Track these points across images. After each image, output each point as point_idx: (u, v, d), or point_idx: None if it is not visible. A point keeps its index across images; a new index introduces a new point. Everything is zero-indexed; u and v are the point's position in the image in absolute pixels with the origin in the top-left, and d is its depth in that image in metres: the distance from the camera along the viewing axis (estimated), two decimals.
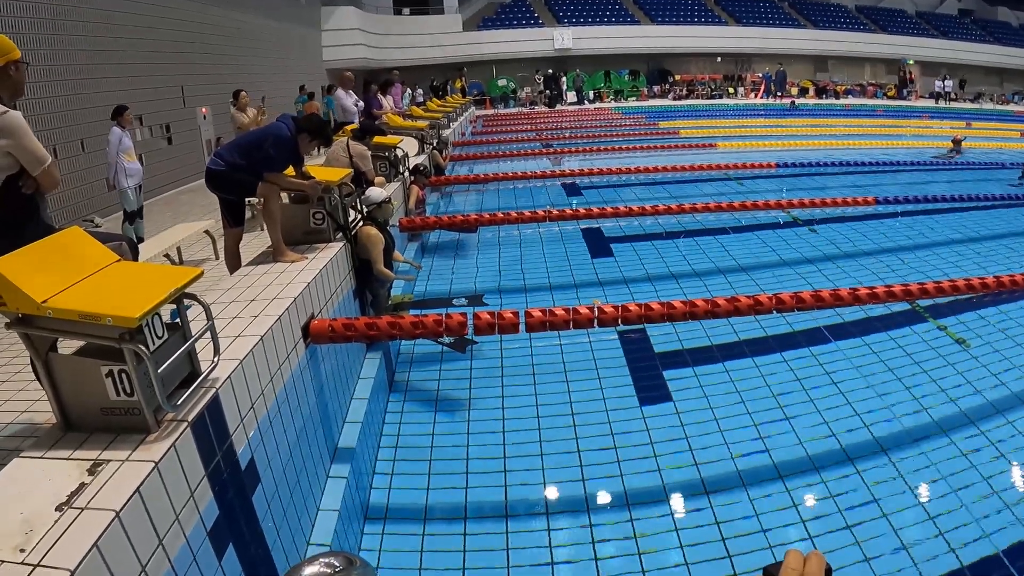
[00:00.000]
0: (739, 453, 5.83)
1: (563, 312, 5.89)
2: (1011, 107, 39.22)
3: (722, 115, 33.97)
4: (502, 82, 42.66)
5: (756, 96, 41.33)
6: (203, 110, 19.16)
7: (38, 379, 3.35)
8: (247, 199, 6.91)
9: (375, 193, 7.64)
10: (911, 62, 44.78)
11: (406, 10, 41.45)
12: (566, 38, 42.61)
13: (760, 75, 43.15)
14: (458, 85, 36.12)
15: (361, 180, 9.37)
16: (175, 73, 17.71)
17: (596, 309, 5.97)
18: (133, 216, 10.18)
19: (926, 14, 52.32)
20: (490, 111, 38.51)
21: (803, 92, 42.03)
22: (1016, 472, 5.63)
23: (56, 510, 2.68)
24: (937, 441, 5.99)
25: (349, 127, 12.44)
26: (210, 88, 19.38)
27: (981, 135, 25.06)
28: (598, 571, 4.72)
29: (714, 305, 6.17)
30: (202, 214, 12.18)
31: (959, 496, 5.23)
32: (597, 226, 12.66)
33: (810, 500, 5.32)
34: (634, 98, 41.79)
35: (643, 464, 5.74)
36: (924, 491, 5.37)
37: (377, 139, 11.00)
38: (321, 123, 6.63)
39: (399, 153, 11.61)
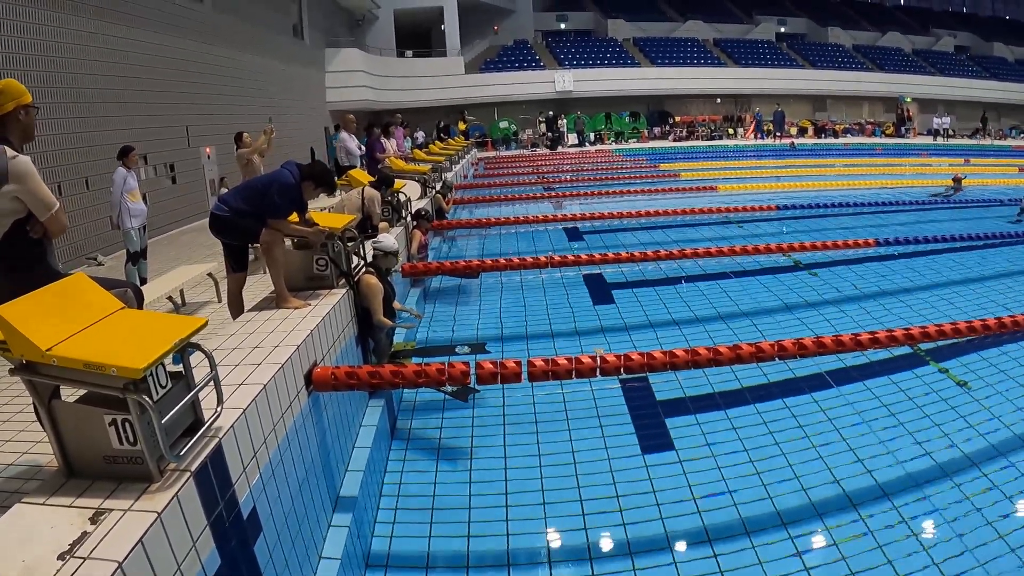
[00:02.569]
0: (742, 500, 5.80)
1: (566, 361, 5.91)
2: (1009, 142, 39.43)
3: (722, 156, 34.16)
4: (504, 124, 42.96)
5: (754, 136, 41.57)
6: (207, 150, 19.33)
7: (39, 421, 3.36)
8: (250, 243, 6.95)
9: (388, 241, 7.67)
10: (909, 100, 45.14)
11: (409, 52, 41.88)
12: (567, 80, 43.03)
13: (752, 115, 43.47)
14: (461, 127, 36.42)
15: (367, 226, 9.45)
16: (179, 113, 17.94)
17: (599, 358, 5.98)
18: (136, 256, 10.20)
19: (923, 52, 52.96)
20: (492, 153, 38.73)
21: (802, 132, 42.29)
22: (1020, 514, 5.58)
23: (58, 559, 2.67)
24: (940, 485, 5.96)
25: (353, 171, 12.56)
26: (214, 128, 19.57)
27: (980, 171, 25.16)
28: None
29: (716, 353, 6.19)
30: (205, 254, 12.23)
31: (963, 541, 5.19)
32: (599, 272, 12.67)
33: (814, 547, 5.28)
34: (635, 140, 42.07)
35: (646, 512, 5.71)
36: (928, 535, 5.33)
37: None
38: (325, 170, 6.67)
39: (401, 198, 11.69)
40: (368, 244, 7.79)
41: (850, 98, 47.92)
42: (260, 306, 6.38)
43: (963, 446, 6.53)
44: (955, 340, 7.97)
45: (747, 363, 6.63)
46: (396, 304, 8.11)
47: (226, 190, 15.18)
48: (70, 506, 3.04)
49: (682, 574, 5.02)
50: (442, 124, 36.11)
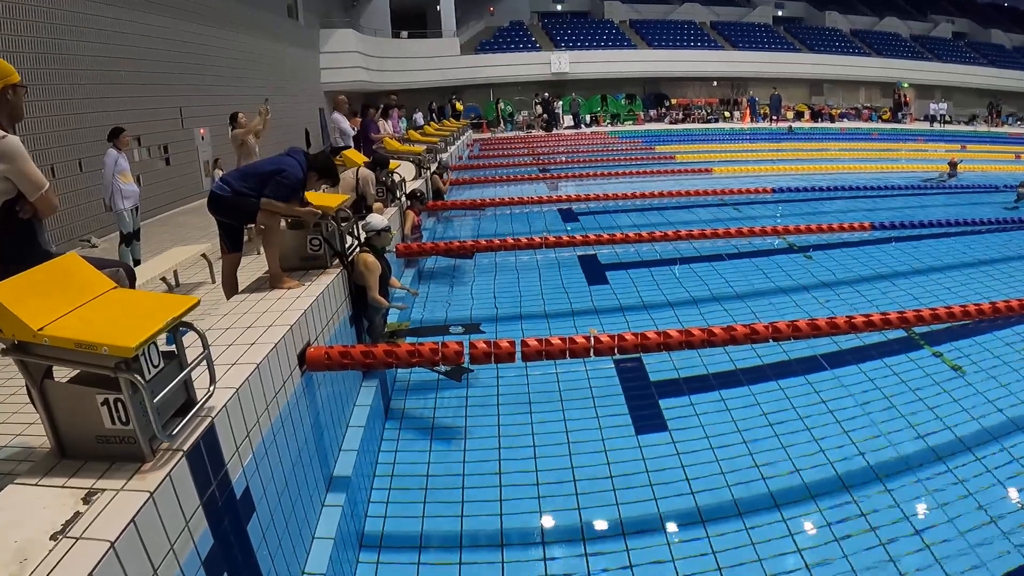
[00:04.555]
0: (735, 482, 5.82)
1: (559, 341, 5.90)
2: (1005, 129, 39.36)
3: (718, 139, 34.10)
4: (500, 106, 42.85)
5: (751, 120, 41.53)
6: (201, 131, 19.26)
7: (32, 401, 3.35)
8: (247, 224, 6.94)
9: (376, 220, 7.65)
10: (906, 85, 45.14)
11: (404, 33, 41.69)
12: (563, 62, 42.93)
13: (746, 99, 43.42)
14: (460, 108, 36.56)
15: (362, 206, 9.43)
16: (173, 94, 17.86)
17: (592, 339, 5.97)
18: (130, 238, 10.16)
19: (920, 37, 52.89)
20: (487, 135, 38.65)
21: (799, 116, 42.25)
22: (1012, 499, 5.61)
23: (51, 539, 2.67)
24: (933, 468, 5.98)
25: (348, 151, 12.53)
26: (208, 109, 19.50)
27: (976, 157, 25.16)
28: None
29: (711, 334, 6.18)
30: (199, 235, 12.21)
31: (955, 524, 5.22)
32: (593, 252, 12.67)
33: (806, 529, 5.30)
34: (630, 122, 42.00)
35: (639, 493, 5.72)
36: (920, 519, 5.35)
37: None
38: (330, 163, 6.72)
39: (396, 178, 11.67)
40: (359, 225, 7.78)
41: (847, 83, 47.91)
42: (254, 286, 6.37)
43: (956, 430, 6.55)
44: (949, 324, 7.97)
45: (741, 344, 6.62)
46: (393, 281, 8.12)
47: (220, 171, 15.13)
48: (62, 487, 3.03)
49: (675, 554, 5.03)
50: (446, 102, 36.42)
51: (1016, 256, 12.26)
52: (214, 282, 9.16)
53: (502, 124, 40.83)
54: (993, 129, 39.24)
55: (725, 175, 21.46)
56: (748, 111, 41.99)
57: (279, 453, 4.50)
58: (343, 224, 7.15)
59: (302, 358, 5.29)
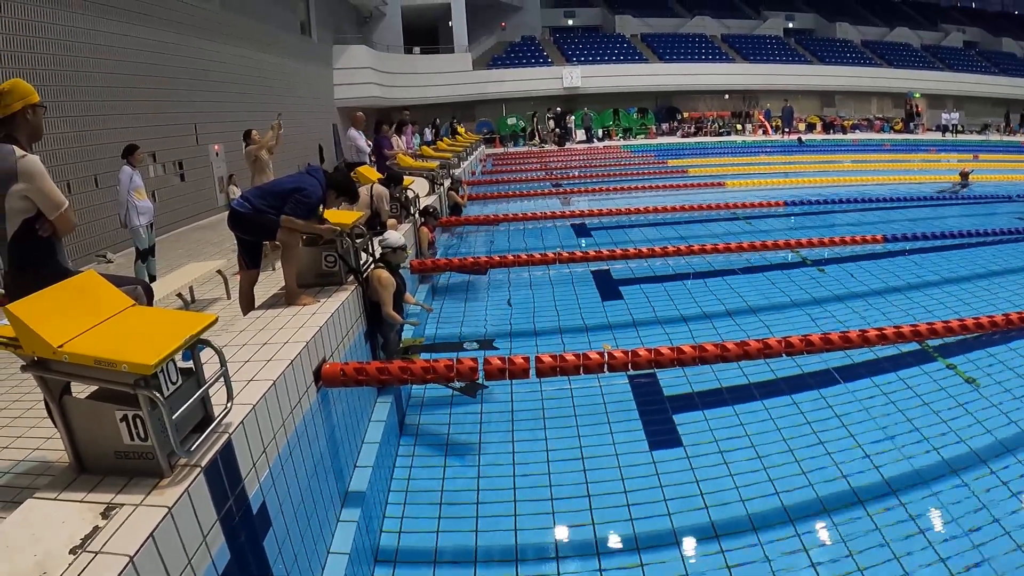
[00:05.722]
0: (749, 496, 5.80)
1: (574, 357, 5.92)
2: (1018, 138, 39.12)
3: (731, 152, 34.06)
4: (511, 121, 42.95)
5: (763, 133, 41.45)
6: (215, 147, 19.38)
7: (51, 417, 3.38)
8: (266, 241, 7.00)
9: (393, 237, 7.69)
10: (917, 95, 45.02)
11: (416, 49, 41.88)
12: (575, 77, 43.04)
13: (761, 112, 43.35)
14: (461, 131, 36.88)
15: (376, 223, 9.49)
16: (188, 111, 18.03)
17: (606, 354, 5.98)
18: (145, 254, 10.25)
19: (931, 47, 52.82)
20: (500, 150, 38.73)
21: (810, 127, 42.14)
22: None
23: (70, 553, 2.69)
24: (948, 482, 5.93)
25: (362, 168, 12.61)
26: (223, 125, 19.65)
27: (989, 167, 25.04)
28: None
29: (724, 349, 6.18)
30: (214, 251, 12.29)
31: (970, 538, 5.17)
32: (606, 268, 12.68)
33: (821, 543, 5.28)
34: (643, 136, 42.03)
35: (653, 508, 5.71)
36: (935, 532, 5.32)
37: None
38: (348, 180, 6.79)
39: (410, 194, 11.72)
40: (376, 241, 7.83)
41: (858, 94, 47.85)
42: (270, 302, 6.41)
43: (970, 443, 6.50)
44: (963, 336, 7.92)
45: (754, 359, 6.62)
46: (408, 297, 8.15)
47: (235, 187, 15.26)
48: (81, 501, 3.07)
49: (689, 569, 5.02)
50: (451, 120, 36.50)
51: None
52: (229, 298, 9.22)
53: (537, 138, 40.65)
54: (1006, 138, 39.01)
55: (737, 188, 21.42)
56: (767, 123, 41.88)
57: (295, 469, 4.53)
58: (357, 241, 7.20)
59: (318, 374, 5.32)
